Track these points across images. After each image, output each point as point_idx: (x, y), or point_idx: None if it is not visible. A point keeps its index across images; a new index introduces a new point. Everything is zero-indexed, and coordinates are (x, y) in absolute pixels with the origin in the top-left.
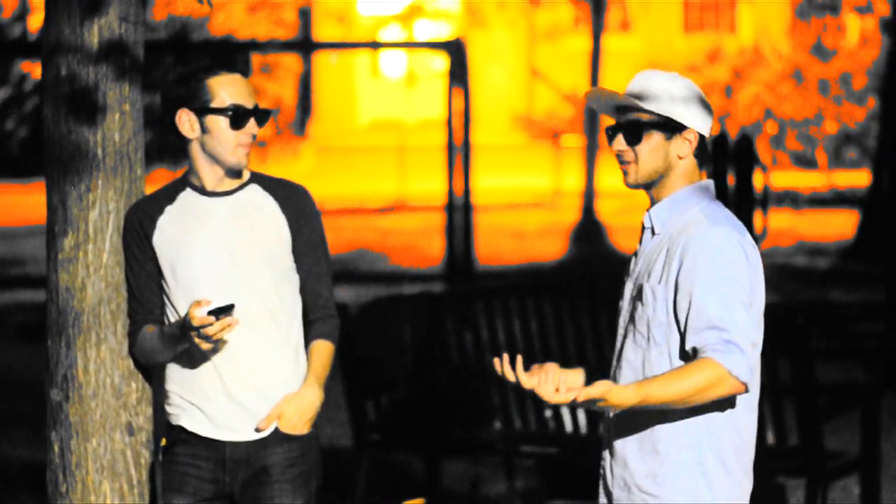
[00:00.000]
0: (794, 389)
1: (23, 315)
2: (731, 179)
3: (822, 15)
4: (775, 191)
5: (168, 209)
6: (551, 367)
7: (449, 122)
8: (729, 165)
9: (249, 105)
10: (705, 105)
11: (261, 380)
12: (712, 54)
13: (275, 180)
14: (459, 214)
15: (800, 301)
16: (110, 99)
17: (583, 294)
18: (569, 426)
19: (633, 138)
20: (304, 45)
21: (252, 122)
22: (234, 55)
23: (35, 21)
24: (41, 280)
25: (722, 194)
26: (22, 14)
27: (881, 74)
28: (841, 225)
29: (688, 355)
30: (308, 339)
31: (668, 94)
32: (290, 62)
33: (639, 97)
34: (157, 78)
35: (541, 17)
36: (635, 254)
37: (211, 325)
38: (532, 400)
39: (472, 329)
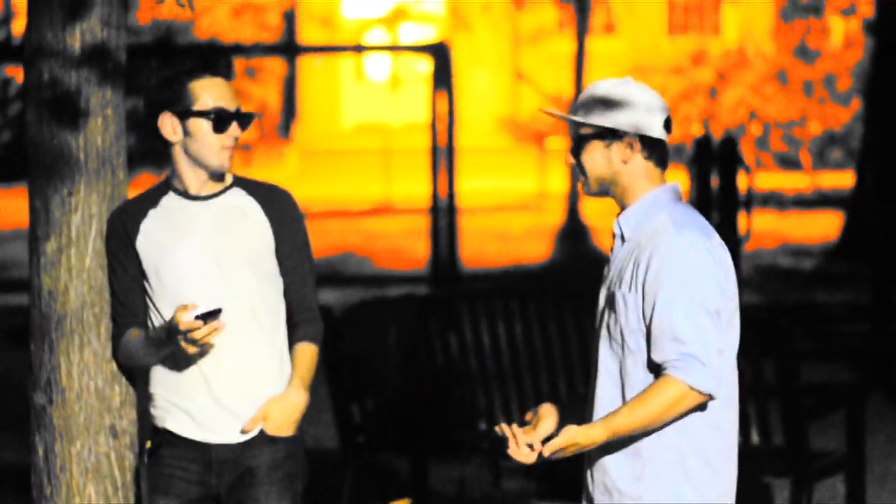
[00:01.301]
0: (780, 390)
1: (7, 319)
2: (714, 181)
3: (806, 17)
4: (759, 192)
5: (151, 213)
6: (545, 413)
7: (433, 125)
8: (713, 167)
9: (232, 108)
10: (652, 107)
11: (245, 382)
12: (696, 56)
13: (258, 184)
14: (444, 217)
15: (784, 302)
16: (92, 103)
17: (568, 296)
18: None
19: (576, 150)
20: (289, 49)
21: (234, 125)
22: (216, 59)
23: (19, 25)
24: (25, 284)
25: (706, 196)
26: (6, 18)
27: (865, 76)
28: (825, 226)
29: (656, 364)
30: (292, 342)
31: (603, 101)
32: (275, 65)
33: (577, 109)
34: (142, 82)
35: (525, 19)
36: (608, 260)
37: (198, 329)
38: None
39: (457, 331)
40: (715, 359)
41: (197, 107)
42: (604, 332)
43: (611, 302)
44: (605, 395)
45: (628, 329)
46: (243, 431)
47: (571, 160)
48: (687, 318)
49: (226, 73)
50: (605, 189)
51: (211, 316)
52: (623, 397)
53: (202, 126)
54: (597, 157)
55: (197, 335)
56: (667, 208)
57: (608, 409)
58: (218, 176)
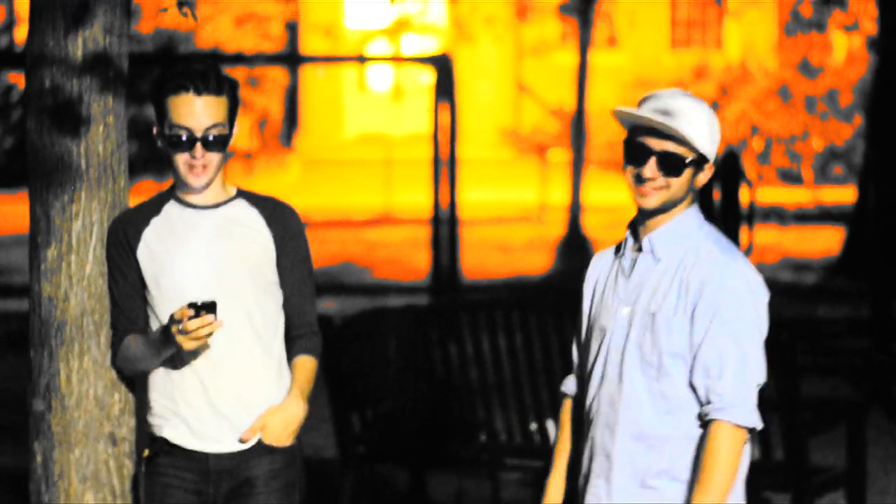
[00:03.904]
0: (780, 404)
1: (8, 324)
2: (716, 195)
3: (809, 32)
4: (761, 206)
5: (153, 221)
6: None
7: (435, 136)
8: (715, 181)
9: (198, 127)
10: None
11: (244, 391)
12: (699, 70)
13: (262, 197)
14: (445, 228)
15: (785, 317)
16: (94, 111)
17: (568, 308)
18: (553, 439)
19: (672, 171)
20: (291, 59)
21: (198, 146)
22: (190, 67)
23: (22, 32)
24: (25, 289)
25: (708, 210)
26: (9, 25)
27: (867, 92)
28: (827, 241)
29: (693, 388)
30: (291, 355)
31: (708, 130)
32: (277, 75)
33: (684, 131)
34: (144, 90)
35: (528, 32)
36: (619, 274)
37: (191, 318)
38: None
39: (457, 342)
40: (755, 392)
41: (165, 125)
42: (632, 352)
43: (645, 322)
44: (636, 416)
45: (669, 352)
46: (241, 441)
47: (657, 174)
48: (740, 353)
49: (198, 85)
50: (667, 207)
51: (205, 308)
52: (659, 417)
53: (166, 144)
54: (687, 180)
55: (190, 326)
56: (701, 230)
57: (638, 431)
58: (202, 189)
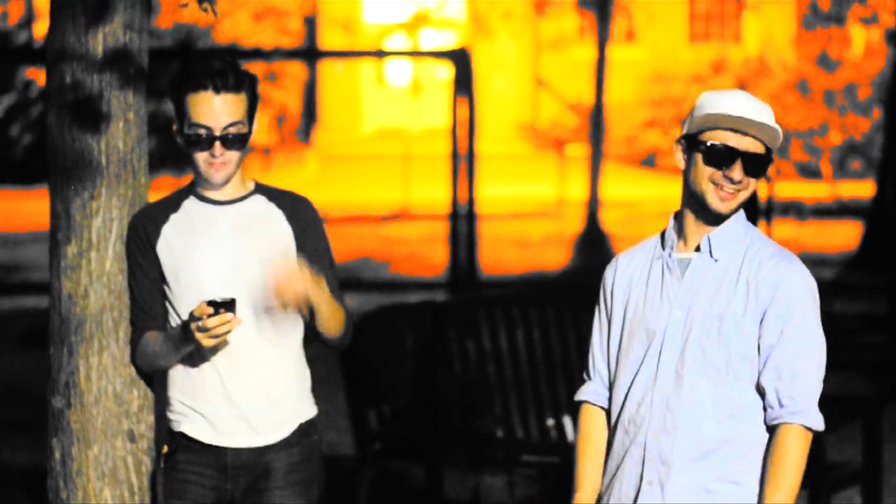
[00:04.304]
0: None
1: (26, 321)
2: None
3: (828, 26)
4: (779, 201)
5: (172, 217)
6: None
7: (453, 130)
8: None
9: (217, 125)
10: None
11: (263, 387)
12: (717, 65)
13: (280, 191)
14: (463, 223)
15: None
16: (114, 107)
17: (586, 304)
18: (570, 436)
19: (756, 172)
20: (310, 54)
21: (217, 144)
22: (209, 65)
23: (40, 28)
24: (45, 286)
25: None
26: (28, 21)
27: (886, 85)
28: (845, 236)
29: (759, 390)
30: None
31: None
32: (296, 70)
33: (772, 132)
34: (163, 86)
35: (546, 26)
36: (666, 274)
37: (210, 315)
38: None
39: (475, 338)
40: (819, 395)
41: (184, 122)
42: (693, 355)
43: (709, 325)
44: (698, 420)
45: (739, 355)
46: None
47: (743, 176)
48: (809, 356)
49: (216, 83)
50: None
51: (225, 306)
52: (721, 421)
53: (186, 142)
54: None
55: (209, 323)
56: (749, 231)
57: (699, 436)
58: (224, 183)
